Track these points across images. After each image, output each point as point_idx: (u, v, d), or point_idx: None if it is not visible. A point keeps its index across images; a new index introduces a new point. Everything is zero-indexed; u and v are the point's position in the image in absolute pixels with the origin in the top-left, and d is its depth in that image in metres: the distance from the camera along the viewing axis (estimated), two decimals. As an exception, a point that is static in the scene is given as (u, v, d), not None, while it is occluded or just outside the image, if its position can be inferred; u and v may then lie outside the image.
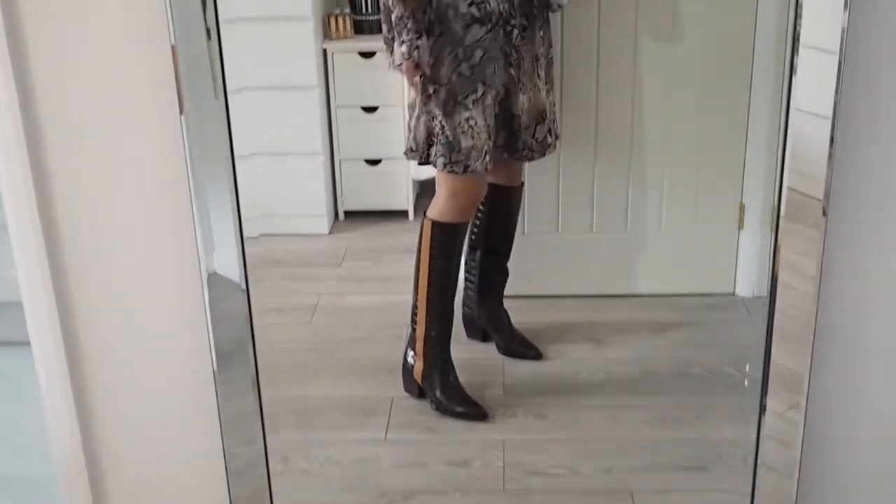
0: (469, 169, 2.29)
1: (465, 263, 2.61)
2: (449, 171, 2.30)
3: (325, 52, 3.06)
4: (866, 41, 1.67)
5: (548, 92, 2.39)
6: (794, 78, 1.62)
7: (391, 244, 2.80)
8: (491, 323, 2.68)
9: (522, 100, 2.32)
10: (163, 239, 1.92)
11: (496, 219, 2.55)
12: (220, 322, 1.82)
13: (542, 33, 2.32)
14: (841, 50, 1.60)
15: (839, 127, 1.67)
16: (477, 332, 2.72)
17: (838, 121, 1.66)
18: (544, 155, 2.45)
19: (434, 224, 2.41)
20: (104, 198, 1.91)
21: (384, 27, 2.26)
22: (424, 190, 3.22)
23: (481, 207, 2.52)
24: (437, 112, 2.26)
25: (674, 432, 2.39)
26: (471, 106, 2.25)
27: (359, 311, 2.84)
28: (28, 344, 1.88)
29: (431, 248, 2.40)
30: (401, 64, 2.20)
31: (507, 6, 2.23)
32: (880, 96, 1.72)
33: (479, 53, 2.24)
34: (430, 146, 2.30)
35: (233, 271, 1.88)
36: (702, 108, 2.62)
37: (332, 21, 2.89)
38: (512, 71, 2.28)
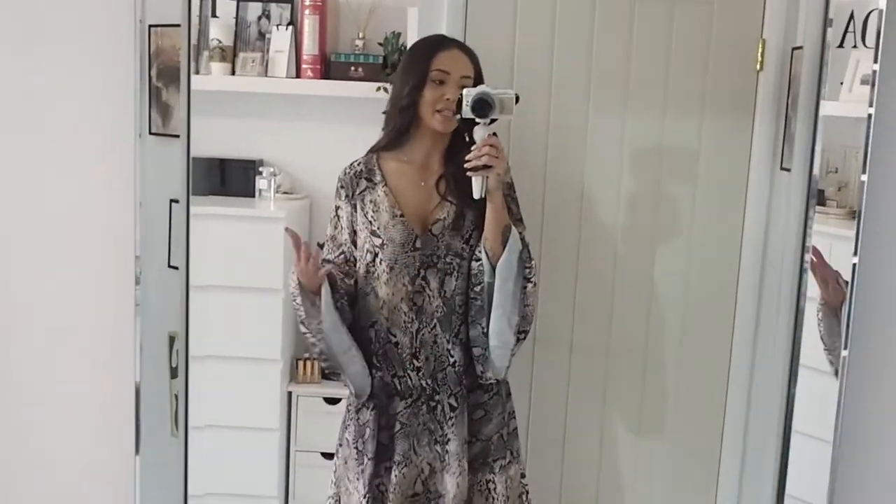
0: None
1: None
2: None
3: (289, 394, 3.06)
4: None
5: (496, 469, 2.27)
6: None
7: None
8: None
9: (448, 481, 2.20)
10: None
11: None
12: None
13: (477, 414, 2.24)
14: None
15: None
16: None
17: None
18: None
19: None
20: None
21: None
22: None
23: None
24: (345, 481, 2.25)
25: None
26: (382, 473, 2.22)
27: None
28: None
29: None
30: None
31: (429, 381, 2.24)
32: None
33: (396, 426, 2.24)
34: None
35: None
36: (669, 487, 2.62)
37: (301, 365, 2.93)
38: (438, 448, 2.25)
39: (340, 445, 2.30)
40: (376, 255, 2.18)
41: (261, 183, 2.96)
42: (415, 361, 2.19)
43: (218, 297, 2.77)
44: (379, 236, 2.17)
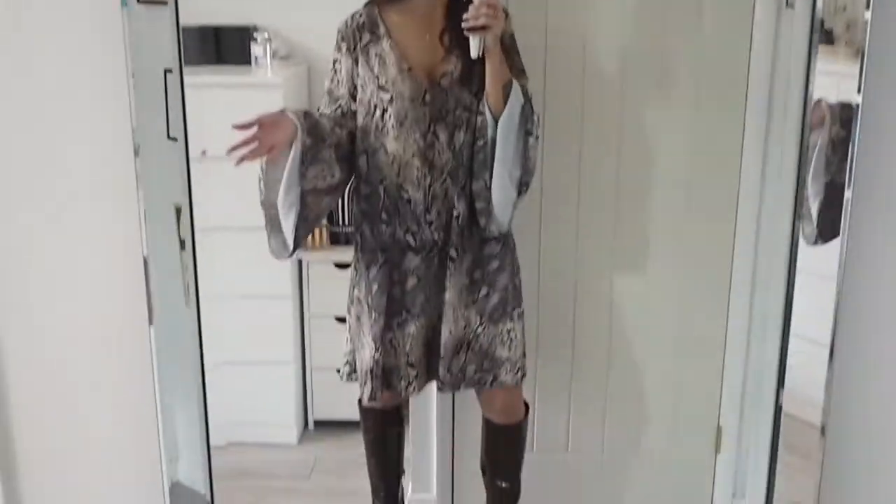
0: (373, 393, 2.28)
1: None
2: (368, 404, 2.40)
3: (300, 261, 3.10)
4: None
5: (484, 326, 2.29)
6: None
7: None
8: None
9: (444, 328, 2.25)
10: (125, 445, 1.87)
11: (493, 452, 2.49)
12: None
13: (492, 265, 2.27)
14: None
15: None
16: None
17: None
18: (459, 389, 2.32)
19: (359, 402, 2.48)
20: (65, 403, 1.87)
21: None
22: (397, 400, 3.18)
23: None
24: (365, 331, 2.29)
25: None
26: (394, 328, 2.27)
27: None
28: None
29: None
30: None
31: (441, 234, 2.22)
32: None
33: (412, 281, 2.30)
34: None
35: (198, 481, 1.82)
36: (679, 333, 2.66)
37: (309, 232, 2.95)
38: (444, 295, 2.28)
39: (352, 303, 2.33)
40: (385, 110, 2.16)
41: (256, 49, 2.91)
42: (427, 216, 2.20)
43: (221, 168, 2.77)
44: (387, 91, 2.15)
